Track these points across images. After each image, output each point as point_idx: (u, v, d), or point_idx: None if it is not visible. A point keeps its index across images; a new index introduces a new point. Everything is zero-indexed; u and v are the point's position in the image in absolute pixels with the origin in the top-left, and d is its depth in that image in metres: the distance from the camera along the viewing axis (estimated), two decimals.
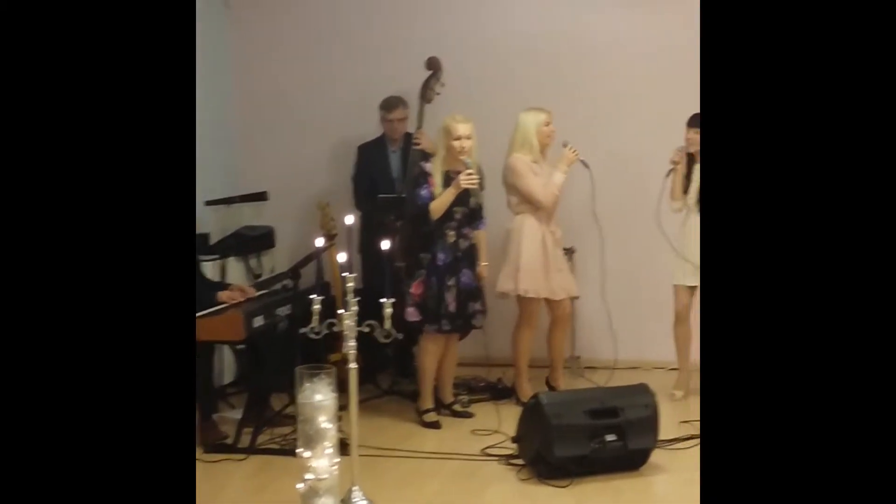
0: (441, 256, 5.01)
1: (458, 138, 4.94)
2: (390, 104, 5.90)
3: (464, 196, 4.98)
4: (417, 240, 5.05)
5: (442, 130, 5.02)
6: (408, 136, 5.81)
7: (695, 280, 5.36)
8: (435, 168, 5.01)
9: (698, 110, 5.53)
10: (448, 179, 4.98)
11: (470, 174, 4.91)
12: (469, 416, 5.21)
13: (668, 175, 5.36)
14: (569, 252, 5.68)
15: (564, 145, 5.33)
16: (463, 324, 5.11)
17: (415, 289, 5.00)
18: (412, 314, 4.98)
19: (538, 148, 5.30)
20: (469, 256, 5.09)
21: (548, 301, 5.41)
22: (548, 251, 5.31)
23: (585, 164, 5.33)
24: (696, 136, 5.28)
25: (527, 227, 5.31)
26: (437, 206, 4.96)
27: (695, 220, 5.33)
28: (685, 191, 5.36)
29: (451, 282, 5.00)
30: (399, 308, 4.85)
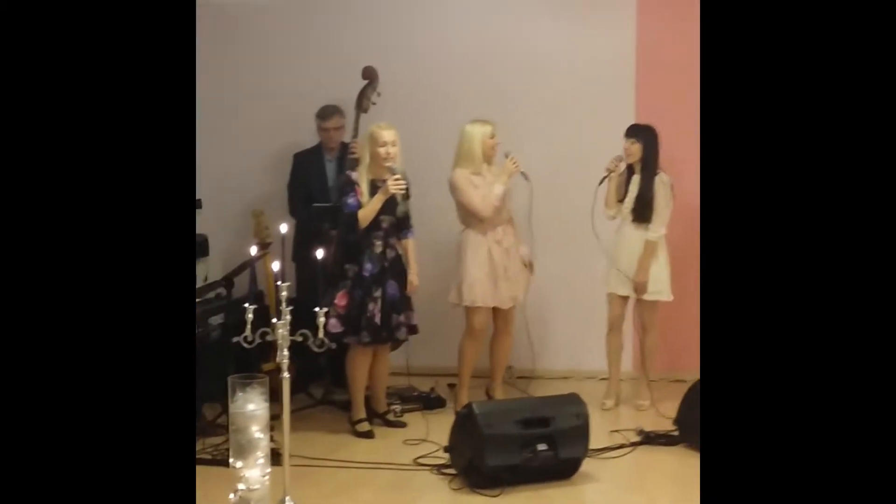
0: (368, 267, 4.99)
1: (384, 145, 4.96)
2: (326, 113, 5.90)
3: (391, 205, 5.00)
4: (343, 250, 5.02)
5: (367, 138, 5.03)
6: (344, 146, 5.80)
7: (627, 290, 5.44)
8: (361, 176, 5.00)
9: (634, 120, 5.70)
10: (374, 188, 4.99)
11: (397, 180, 4.92)
12: (402, 425, 5.22)
13: (601, 183, 5.43)
14: None
15: (506, 156, 5.38)
16: (386, 336, 5.09)
17: (339, 300, 4.96)
18: (334, 326, 4.91)
19: (481, 160, 5.35)
20: (395, 267, 5.08)
21: (495, 310, 5.45)
22: (494, 261, 5.35)
23: (525, 177, 5.37)
24: (632, 146, 5.37)
25: (471, 239, 5.37)
26: (366, 214, 4.96)
27: (629, 230, 5.41)
28: (621, 200, 5.44)
29: (377, 293, 4.99)
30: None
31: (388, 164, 4.96)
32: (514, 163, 5.35)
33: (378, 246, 5.02)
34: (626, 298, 5.48)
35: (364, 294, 4.97)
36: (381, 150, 4.96)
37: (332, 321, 4.91)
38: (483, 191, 5.33)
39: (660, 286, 5.41)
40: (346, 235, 5.00)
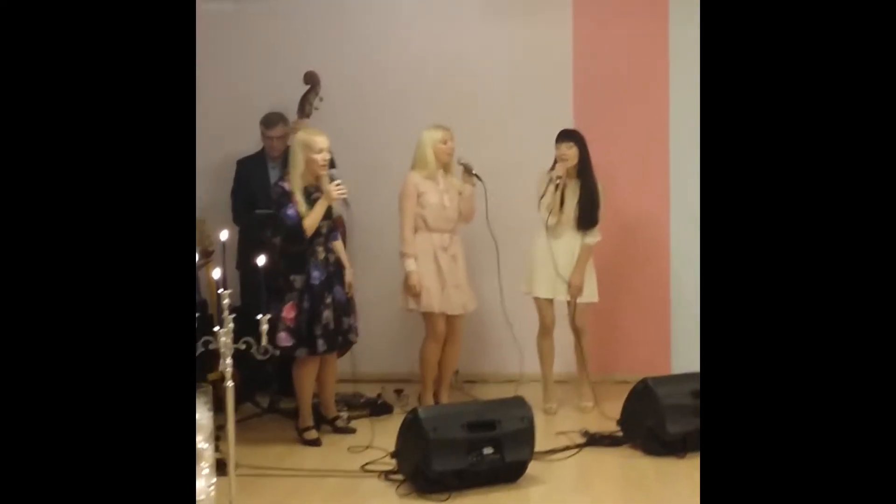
0: (315, 274, 4.96)
1: (320, 151, 4.93)
2: (270, 121, 5.87)
3: (328, 210, 5.00)
4: (286, 261, 4.96)
5: (299, 145, 4.96)
6: (288, 151, 5.77)
7: (559, 293, 5.48)
8: (295, 185, 4.94)
9: (572, 122, 5.77)
10: (307, 195, 4.95)
11: (339, 185, 4.91)
12: (351, 431, 5.22)
13: (556, 189, 5.39)
14: None
15: (459, 162, 5.45)
16: (342, 341, 5.09)
17: (287, 313, 4.90)
18: (284, 339, 4.87)
19: (434, 165, 5.40)
20: (338, 271, 5.09)
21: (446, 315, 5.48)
22: (441, 267, 5.39)
23: (478, 177, 5.44)
24: (569, 150, 5.41)
25: (419, 245, 5.40)
26: (312, 223, 4.91)
27: (570, 236, 5.45)
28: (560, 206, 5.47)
29: (328, 299, 4.98)
30: (270, 333, 4.81)
31: (324, 172, 4.95)
32: (473, 171, 5.42)
33: (321, 252, 5.00)
34: (553, 302, 5.54)
35: (316, 302, 4.93)
36: (319, 157, 4.93)
37: (282, 335, 4.87)
38: (437, 195, 5.38)
39: (591, 289, 5.52)
40: (290, 246, 4.95)
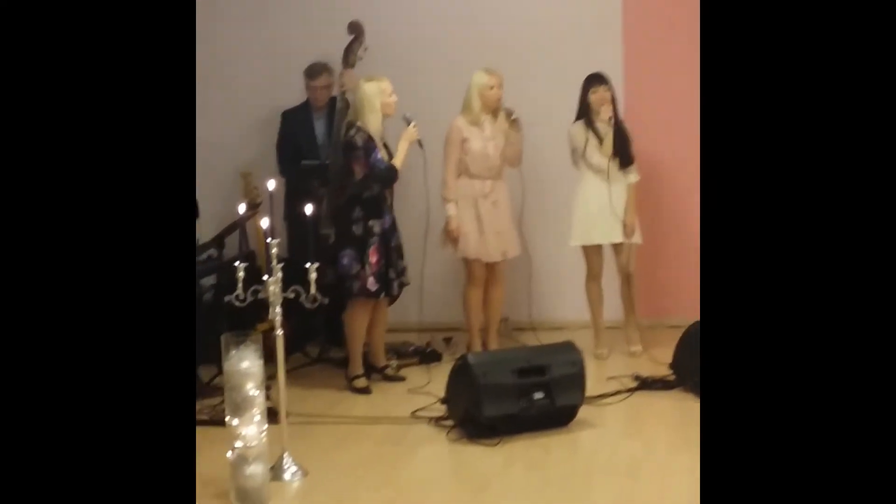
0: (387, 219, 5.06)
1: (391, 94, 5.01)
2: (314, 71, 5.85)
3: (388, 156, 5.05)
4: (363, 207, 4.99)
5: (374, 92, 4.98)
6: (332, 102, 5.76)
7: (612, 237, 5.44)
8: (375, 132, 4.99)
9: (622, 69, 5.66)
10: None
11: (416, 126, 5.00)
12: (400, 379, 5.24)
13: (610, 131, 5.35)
14: None
15: (503, 111, 5.40)
16: (403, 282, 5.19)
17: (371, 257, 4.97)
18: (372, 284, 4.95)
19: (479, 110, 5.37)
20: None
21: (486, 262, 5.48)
22: (480, 214, 5.37)
23: (517, 122, 5.39)
24: (606, 93, 5.38)
25: (460, 190, 5.39)
26: (400, 165, 5.02)
27: (617, 177, 5.41)
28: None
29: (394, 242, 5.07)
30: (352, 280, 4.90)
31: (391, 115, 5.03)
32: (513, 116, 5.37)
33: (387, 198, 5.07)
34: (601, 249, 5.50)
35: (387, 247, 5.02)
36: (392, 101, 5.00)
37: (370, 279, 4.95)
38: (481, 142, 5.34)
39: (637, 230, 5.49)
40: (368, 192, 4.98)
